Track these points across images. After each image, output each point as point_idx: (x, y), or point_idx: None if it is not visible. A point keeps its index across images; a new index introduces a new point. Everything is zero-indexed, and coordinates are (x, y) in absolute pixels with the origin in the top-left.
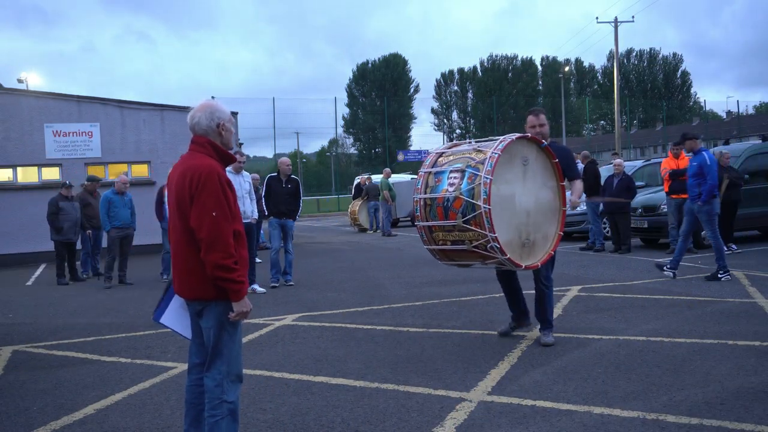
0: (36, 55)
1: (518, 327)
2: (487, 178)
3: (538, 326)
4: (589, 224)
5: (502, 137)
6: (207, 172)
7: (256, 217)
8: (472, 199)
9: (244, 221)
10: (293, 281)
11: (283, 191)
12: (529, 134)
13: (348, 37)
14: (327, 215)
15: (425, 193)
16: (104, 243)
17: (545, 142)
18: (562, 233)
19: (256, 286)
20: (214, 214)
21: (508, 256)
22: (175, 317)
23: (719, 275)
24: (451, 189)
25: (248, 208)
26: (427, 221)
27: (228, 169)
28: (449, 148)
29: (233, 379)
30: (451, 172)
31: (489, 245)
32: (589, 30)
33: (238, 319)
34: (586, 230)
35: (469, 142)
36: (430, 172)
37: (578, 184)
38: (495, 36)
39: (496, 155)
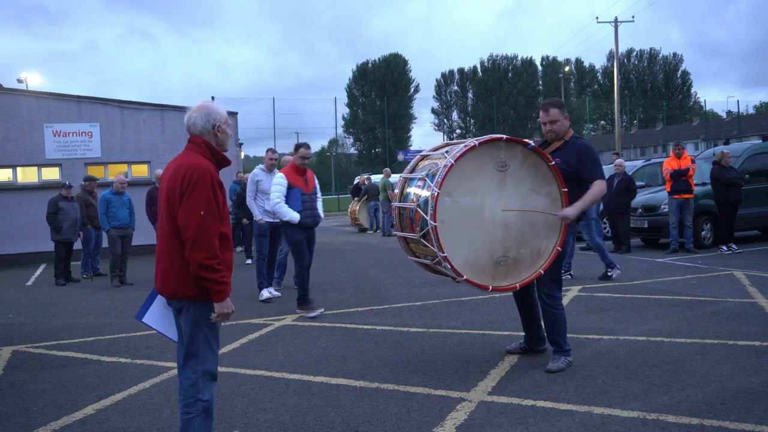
0: (38, 54)
1: (530, 351)
2: (435, 190)
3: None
4: None
5: (466, 141)
6: (200, 171)
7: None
8: (425, 213)
9: (275, 221)
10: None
11: None
12: (504, 136)
13: (351, 36)
14: (327, 215)
15: (398, 201)
16: (106, 243)
17: (532, 143)
18: (560, 248)
19: (271, 290)
20: (202, 213)
21: (465, 277)
22: (158, 317)
23: (608, 273)
24: (415, 199)
25: None
26: (401, 231)
27: (261, 167)
28: (434, 150)
29: (208, 378)
30: (419, 179)
31: (442, 264)
32: (590, 29)
33: (219, 321)
34: None
35: (447, 143)
36: (406, 178)
37: (595, 189)
38: (499, 35)
39: (449, 164)
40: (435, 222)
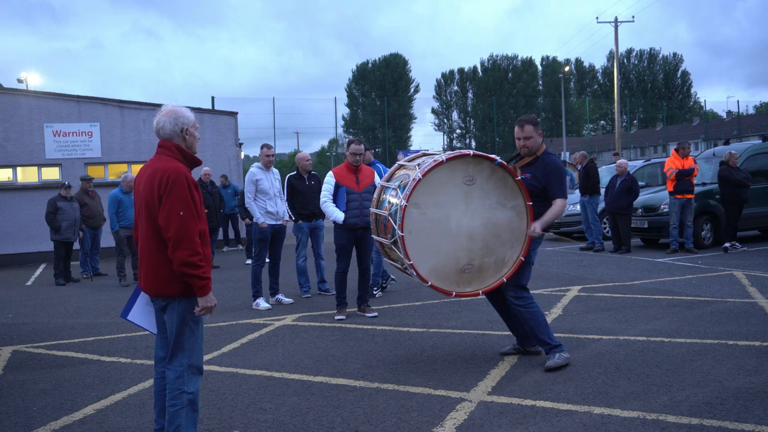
0: (42, 52)
1: (526, 352)
2: (403, 202)
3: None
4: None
5: (436, 156)
6: (176, 174)
7: (287, 219)
8: (395, 222)
9: (276, 223)
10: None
11: (308, 190)
12: (470, 152)
13: (356, 34)
14: None
15: (374, 208)
16: (105, 243)
17: (498, 159)
18: (523, 258)
19: (281, 297)
20: (181, 213)
21: (430, 283)
22: (141, 314)
23: (374, 292)
24: (388, 207)
25: (281, 208)
26: (377, 236)
27: (258, 165)
28: (410, 160)
29: (194, 372)
30: (393, 189)
31: (409, 271)
32: (591, 29)
33: (203, 314)
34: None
35: (424, 154)
36: (383, 186)
37: (556, 206)
38: (502, 34)
39: (418, 178)
40: (402, 232)
